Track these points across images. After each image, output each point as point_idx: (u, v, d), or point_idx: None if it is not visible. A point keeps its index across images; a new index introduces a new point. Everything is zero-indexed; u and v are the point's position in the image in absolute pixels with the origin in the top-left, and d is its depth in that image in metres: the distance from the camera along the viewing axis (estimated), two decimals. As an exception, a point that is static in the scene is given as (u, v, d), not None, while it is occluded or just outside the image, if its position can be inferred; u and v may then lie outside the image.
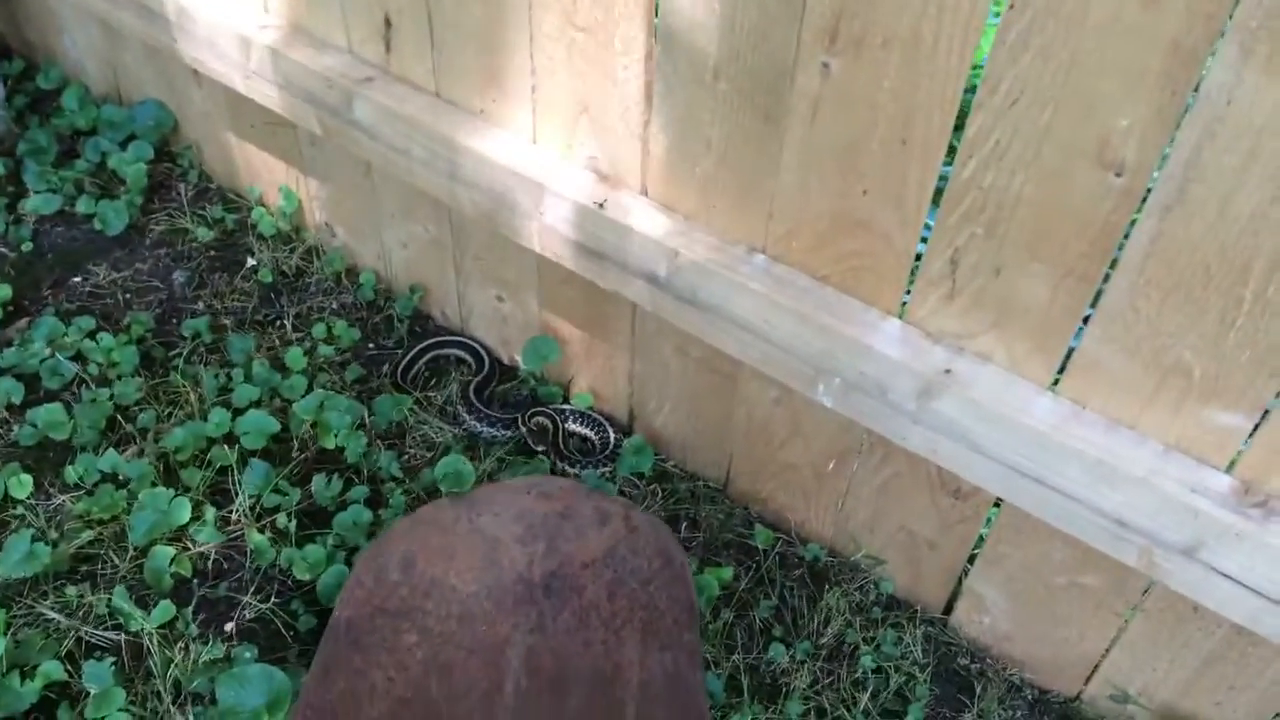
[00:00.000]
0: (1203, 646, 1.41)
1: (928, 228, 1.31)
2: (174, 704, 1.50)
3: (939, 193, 1.28)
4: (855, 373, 1.42)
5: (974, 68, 1.17)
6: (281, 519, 1.72)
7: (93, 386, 1.93)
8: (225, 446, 1.82)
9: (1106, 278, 1.21)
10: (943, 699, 1.60)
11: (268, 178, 2.27)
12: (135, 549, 1.68)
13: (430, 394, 1.99)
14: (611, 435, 1.89)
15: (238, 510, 1.74)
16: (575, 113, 1.57)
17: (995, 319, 1.32)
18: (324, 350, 2.04)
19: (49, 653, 1.54)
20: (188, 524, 1.70)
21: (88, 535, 1.70)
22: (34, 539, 1.65)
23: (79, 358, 1.99)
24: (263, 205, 2.32)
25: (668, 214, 1.55)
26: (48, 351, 1.98)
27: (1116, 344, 1.23)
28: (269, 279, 2.20)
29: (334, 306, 2.16)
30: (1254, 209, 1.06)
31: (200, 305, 2.15)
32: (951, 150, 1.23)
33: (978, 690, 1.61)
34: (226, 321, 2.11)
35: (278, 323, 2.11)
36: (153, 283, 2.20)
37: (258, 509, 1.75)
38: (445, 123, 1.70)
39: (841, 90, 1.27)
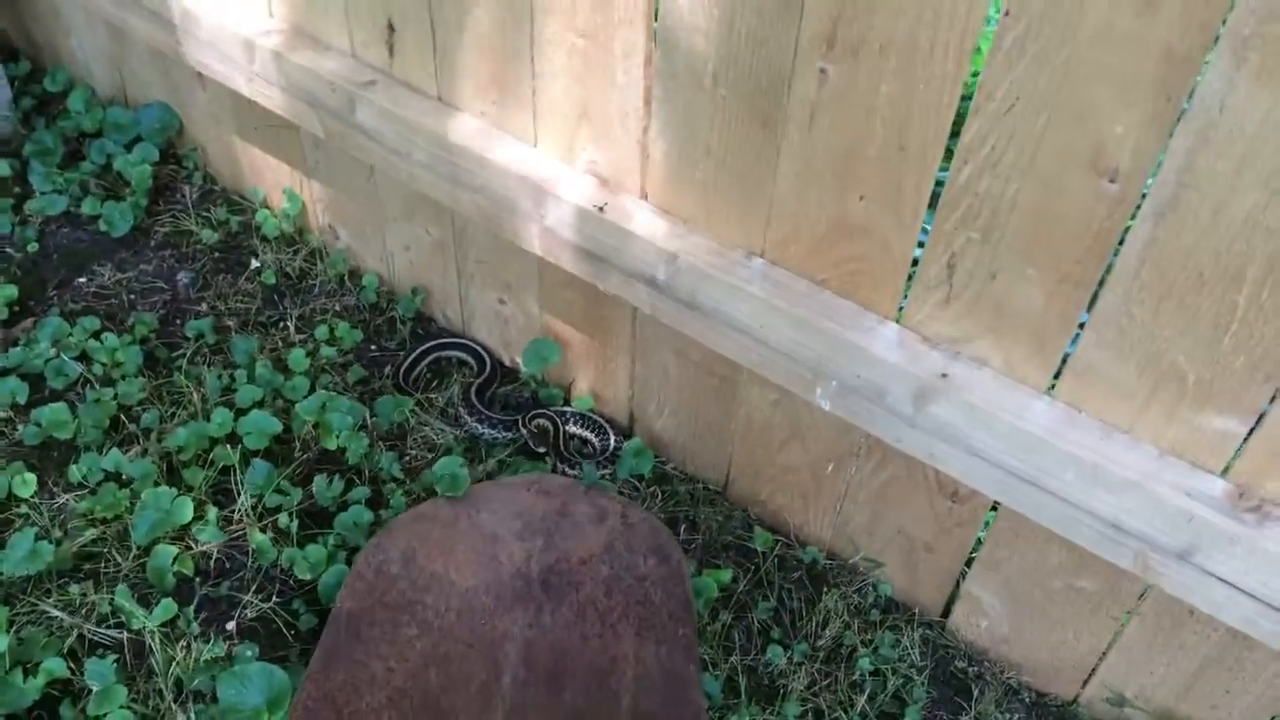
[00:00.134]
0: (1199, 650, 1.41)
1: (925, 232, 1.32)
2: (175, 702, 1.51)
3: (935, 198, 1.28)
4: (853, 376, 1.43)
5: (974, 74, 1.18)
6: (283, 519, 1.74)
7: (97, 386, 1.94)
8: (228, 446, 1.83)
9: (1101, 283, 1.21)
10: (940, 701, 1.60)
11: (272, 180, 2.28)
12: (138, 548, 1.69)
13: (432, 396, 2.00)
14: (612, 437, 1.90)
15: (240, 510, 1.76)
16: (576, 117, 1.58)
17: (991, 323, 1.33)
18: (326, 352, 2.05)
19: (51, 650, 1.55)
20: (190, 523, 1.72)
21: (91, 534, 1.71)
22: (37, 537, 1.66)
23: (84, 358, 2.00)
24: (266, 207, 2.33)
25: (667, 218, 1.56)
26: (53, 351, 1.99)
27: (1111, 349, 1.24)
28: (272, 281, 2.21)
29: (337, 308, 2.17)
30: (1247, 215, 1.06)
31: (204, 306, 2.16)
32: (949, 155, 1.24)
33: (975, 693, 1.61)
34: (230, 322, 2.12)
35: (281, 324, 2.12)
36: (157, 284, 2.21)
37: (259, 509, 1.76)
38: (447, 126, 1.71)
39: (839, 96, 1.27)
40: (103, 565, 1.68)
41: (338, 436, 1.86)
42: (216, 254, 2.28)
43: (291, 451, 1.87)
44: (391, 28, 1.73)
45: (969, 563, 1.60)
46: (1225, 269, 1.11)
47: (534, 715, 1.14)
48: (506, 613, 1.22)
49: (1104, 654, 1.52)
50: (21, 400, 1.92)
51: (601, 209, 1.57)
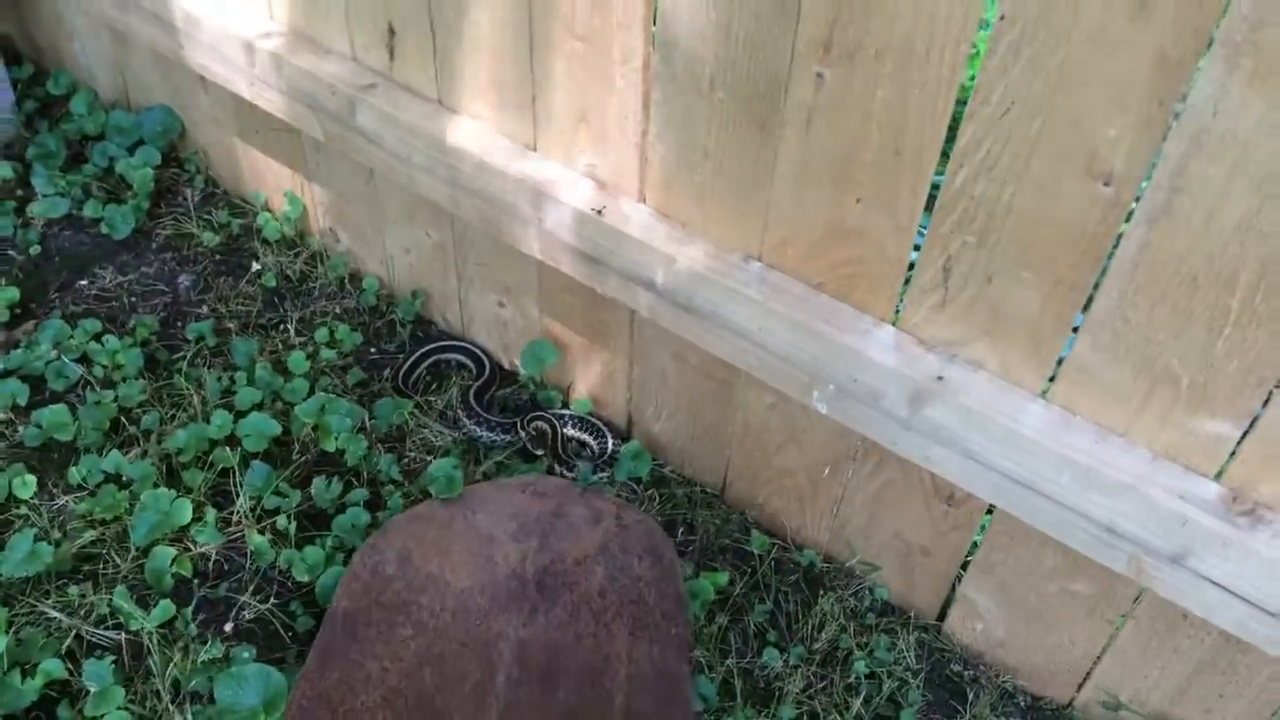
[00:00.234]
0: (1192, 654, 1.41)
1: (921, 235, 1.33)
2: (173, 703, 1.51)
3: (932, 201, 1.29)
4: (849, 379, 1.43)
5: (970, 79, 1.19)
6: (281, 521, 1.74)
7: (97, 388, 1.95)
8: (227, 448, 1.84)
9: (1096, 286, 1.22)
10: (935, 705, 1.61)
11: (273, 183, 2.29)
12: (137, 549, 1.70)
13: (431, 398, 2.01)
14: (610, 440, 1.91)
15: (238, 512, 1.76)
16: (574, 121, 1.59)
17: (987, 326, 1.33)
18: (326, 354, 2.06)
19: (50, 651, 1.55)
20: (189, 525, 1.72)
21: (90, 535, 1.72)
22: (37, 538, 1.67)
23: (84, 360, 2.01)
24: (268, 210, 2.34)
25: (665, 221, 1.57)
26: (53, 353, 2.00)
27: (1106, 352, 1.24)
28: (273, 283, 2.22)
29: (337, 311, 2.18)
30: (1240, 220, 1.07)
31: (205, 309, 2.17)
32: (945, 159, 1.25)
33: (970, 697, 1.61)
34: (230, 325, 2.13)
35: (281, 327, 2.13)
36: (158, 286, 2.22)
37: (258, 510, 1.77)
38: (447, 130, 1.72)
39: (835, 100, 1.28)
40: (101, 566, 1.69)
41: (336, 439, 1.86)
42: (217, 257, 2.29)
43: (290, 454, 1.88)
44: (392, 31, 1.74)
45: (965, 566, 1.60)
46: (1219, 273, 1.11)
47: (528, 714, 1.15)
48: (501, 613, 1.23)
49: (1099, 658, 1.52)
50: (22, 402, 1.93)
51: (600, 212, 1.58)
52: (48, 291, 2.19)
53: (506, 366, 2.09)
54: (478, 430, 1.92)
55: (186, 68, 2.14)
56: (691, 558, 1.76)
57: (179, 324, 2.13)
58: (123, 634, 1.60)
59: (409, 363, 2.06)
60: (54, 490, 1.79)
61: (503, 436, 1.91)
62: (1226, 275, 1.11)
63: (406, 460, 1.88)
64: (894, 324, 1.43)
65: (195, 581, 1.69)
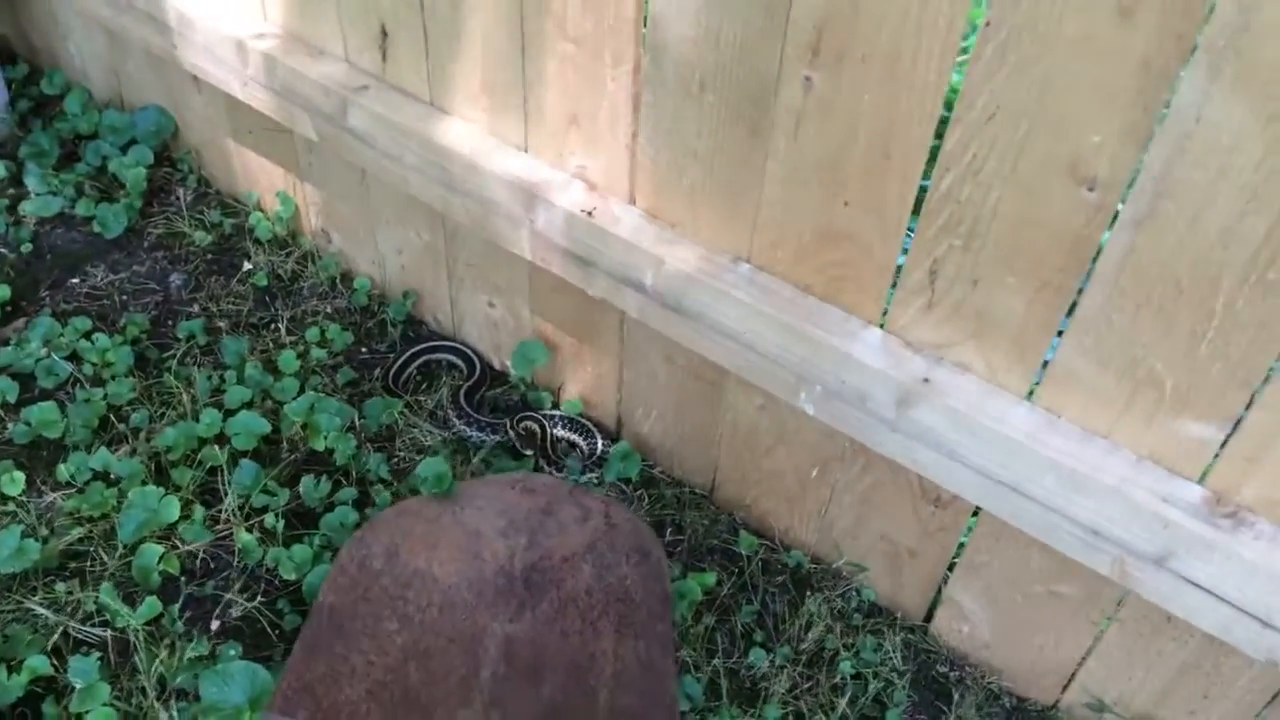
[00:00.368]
0: (1176, 656, 1.42)
1: (909, 238, 1.34)
2: (158, 700, 1.51)
3: (919, 205, 1.30)
4: (836, 381, 1.44)
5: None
6: (270, 519, 1.74)
7: (87, 386, 1.95)
8: (216, 447, 1.84)
9: (1081, 290, 1.23)
10: (921, 705, 1.61)
11: (265, 183, 2.30)
12: (124, 546, 1.70)
13: (421, 398, 2.01)
14: (599, 441, 1.91)
15: (226, 510, 1.76)
16: (566, 122, 1.60)
17: (973, 329, 1.34)
18: (317, 354, 2.06)
19: (36, 647, 1.55)
20: (177, 522, 1.72)
21: (78, 532, 1.72)
22: (24, 535, 1.67)
23: (74, 358, 2.01)
24: (260, 210, 2.34)
25: (655, 223, 1.57)
26: (44, 351, 2.00)
27: (1091, 355, 1.25)
28: (264, 283, 2.22)
29: (328, 311, 2.18)
30: (1223, 224, 1.08)
31: (196, 308, 2.17)
32: (933, 163, 1.26)
33: (956, 698, 1.62)
34: (221, 324, 2.13)
35: (272, 326, 2.13)
36: (149, 285, 2.22)
37: (246, 509, 1.77)
38: (439, 131, 1.73)
39: (824, 103, 1.29)
40: (89, 564, 1.69)
41: (326, 438, 1.86)
42: (209, 256, 2.29)
43: (279, 452, 1.88)
44: (384, 33, 1.75)
45: (951, 568, 1.61)
46: (1202, 277, 1.12)
47: (512, 708, 1.15)
48: (488, 609, 1.24)
49: (1083, 659, 1.53)
50: (11, 399, 1.92)
51: (590, 214, 1.58)
52: (39, 289, 2.19)
53: (497, 367, 2.09)
54: (467, 430, 1.92)
55: (180, 68, 2.15)
56: (680, 558, 1.77)
57: (170, 322, 2.13)
58: (109, 631, 1.60)
59: (399, 362, 2.06)
60: (42, 487, 1.79)
61: (492, 437, 1.91)
62: (1210, 279, 1.12)
63: (396, 460, 1.88)
64: (881, 326, 1.44)
65: (182, 579, 1.69)
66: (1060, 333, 1.28)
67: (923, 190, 1.28)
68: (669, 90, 1.43)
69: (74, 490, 1.78)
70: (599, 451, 1.90)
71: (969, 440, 1.35)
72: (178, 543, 1.71)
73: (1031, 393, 1.35)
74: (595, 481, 1.84)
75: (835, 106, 1.28)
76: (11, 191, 2.40)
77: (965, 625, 1.64)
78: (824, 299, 1.47)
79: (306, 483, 1.79)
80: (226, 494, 1.78)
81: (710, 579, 1.71)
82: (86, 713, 1.48)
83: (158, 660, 1.54)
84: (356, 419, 1.93)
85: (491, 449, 1.90)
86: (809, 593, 1.72)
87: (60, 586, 1.64)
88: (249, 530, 1.74)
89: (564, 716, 1.17)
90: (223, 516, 1.76)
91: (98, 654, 1.55)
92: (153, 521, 1.71)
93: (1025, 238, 1.23)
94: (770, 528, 1.81)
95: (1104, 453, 1.29)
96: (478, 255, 1.94)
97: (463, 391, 1.98)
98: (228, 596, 1.66)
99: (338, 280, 2.23)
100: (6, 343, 2.03)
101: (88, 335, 2.05)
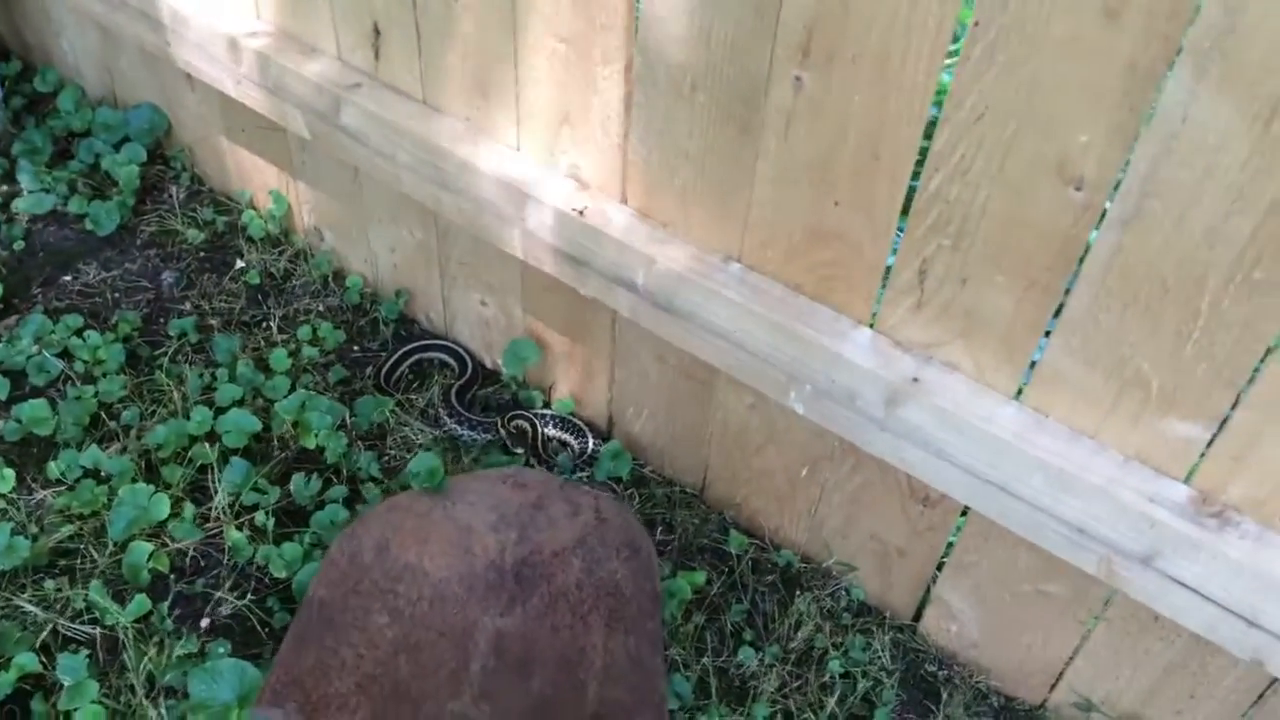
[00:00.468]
0: (1163, 655, 1.43)
1: (899, 238, 1.34)
2: (147, 697, 1.51)
3: (909, 205, 1.31)
4: (826, 380, 1.44)
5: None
6: (260, 517, 1.74)
7: (78, 383, 1.95)
8: (207, 444, 1.84)
9: (1068, 290, 1.24)
10: (909, 704, 1.62)
11: (258, 181, 2.30)
12: (114, 544, 1.70)
13: (412, 397, 2.01)
14: (590, 440, 1.92)
15: (217, 508, 1.76)
16: (558, 121, 1.60)
17: (962, 329, 1.35)
18: (308, 352, 2.06)
19: (25, 645, 1.55)
20: (167, 520, 1.72)
21: (67, 530, 1.71)
22: (14, 532, 1.67)
23: (66, 355, 2.01)
24: (253, 208, 2.34)
25: (646, 222, 1.58)
26: (35, 348, 2.00)
27: (1078, 355, 1.26)
28: (256, 281, 2.22)
29: (320, 309, 2.18)
30: (1208, 224, 1.09)
31: (188, 305, 2.17)
32: (922, 163, 1.26)
33: (944, 696, 1.62)
34: (213, 322, 2.13)
35: (264, 324, 2.13)
36: (141, 282, 2.22)
37: (237, 507, 1.77)
38: (431, 129, 1.73)
39: (814, 104, 1.30)
40: (78, 561, 1.69)
41: (317, 436, 1.86)
42: (202, 254, 2.29)
43: (270, 450, 1.88)
44: (377, 31, 1.75)
45: (940, 567, 1.62)
46: (1188, 276, 1.13)
47: (502, 701, 1.16)
48: (478, 603, 1.24)
49: (1071, 659, 1.53)
50: (2, 396, 1.92)
51: (581, 212, 1.59)
52: (30, 287, 2.18)
53: (489, 366, 2.10)
54: (459, 429, 1.92)
55: (174, 66, 2.14)
56: (670, 557, 1.77)
57: (161, 320, 2.13)
58: (98, 628, 1.59)
59: (391, 361, 2.06)
60: (32, 484, 1.79)
61: (484, 435, 1.91)
62: (1195, 278, 1.13)
63: (387, 458, 1.89)
64: (871, 326, 1.44)
65: (172, 577, 1.68)
66: (1048, 333, 1.29)
67: (912, 190, 1.29)
68: (660, 90, 1.44)
69: (64, 487, 1.78)
70: (590, 450, 1.90)
71: (957, 439, 1.35)
72: (168, 540, 1.71)
73: (1020, 392, 1.35)
74: (586, 480, 1.85)
75: (825, 106, 1.29)
76: (4, 188, 2.40)
77: (954, 624, 1.64)
78: (814, 298, 1.47)
79: (297, 481, 1.79)
80: (217, 492, 1.78)
81: (700, 578, 1.71)
82: (75, 710, 1.48)
83: (147, 658, 1.54)
84: (348, 417, 1.93)
85: (483, 448, 1.90)
86: (799, 592, 1.73)
87: (50, 584, 1.64)
88: (239, 528, 1.73)
89: (553, 709, 1.18)
90: (213, 514, 1.76)
91: (87, 651, 1.55)
92: (143, 519, 1.71)
93: (1013, 237, 1.23)
94: (760, 527, 1.82)
95: (1091, 452, 1.29)
96: (470, 254, 1.94)
97: (454, 390, 1.99)
98: (217, 594, 1.66)
99: (330, 278, 2.23)
100: (-3, 340, 2.03)
101: (79, 332, 2.05)
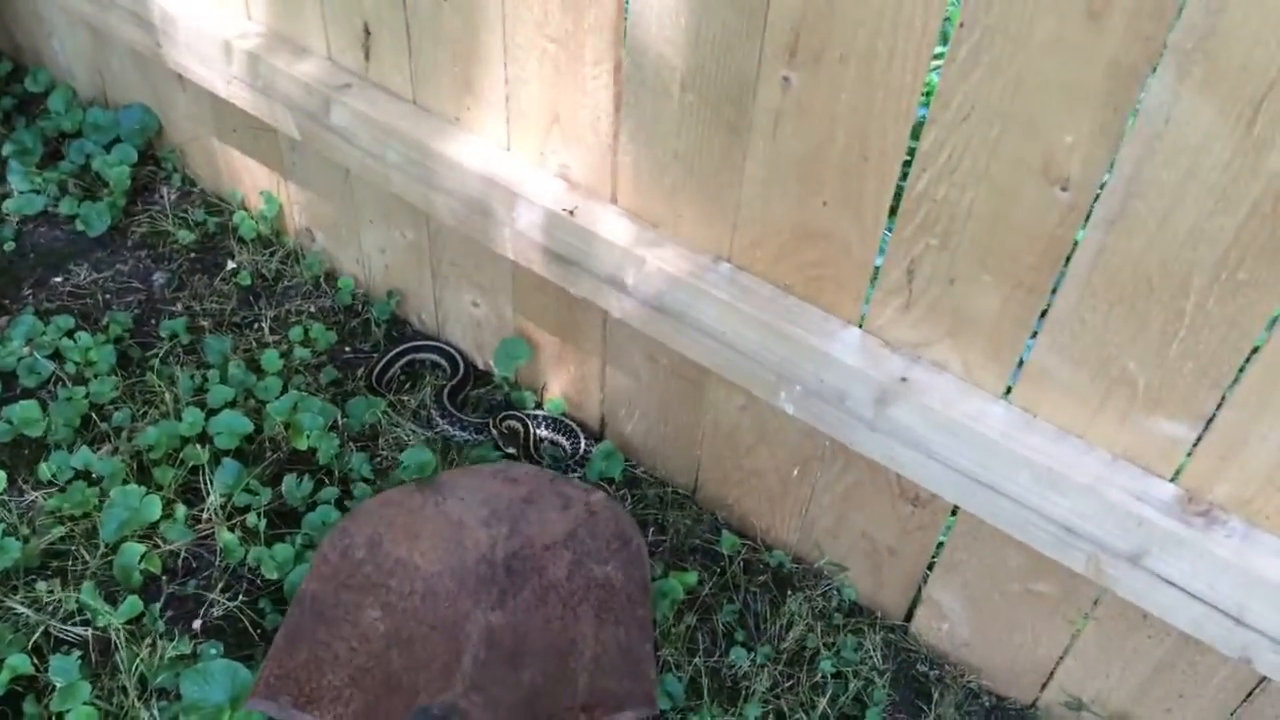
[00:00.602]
0: (1152, 654, 1.43)
1: (887, 238, 1.35)
2: (139, 699, 1.51)
3: (897, 205, 1.31)
4: (816, 380, 1.45)
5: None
6: (252, 518, 1.74)
7: (69, 385, 1.95)
8: (198, 446, 1.84)
9: (1055, 290, 1.24)
10: (901, 704, 1.62)
11: (250, 182, 2.29)
12: (106, 546, 1.70)
13: (404, 398, 2.01)
14: (582, 441, 1.92)
15: (208, 509, 1.76)
16: (547, 122, 1.60)
17: (950, 328, 1.35)
18: (300, 353, 2.06)
19: (17, 646, 1.55)
20: (158, 522, 1.72)
21: (59, 531, 1.71)
22: (5, 534, 1.67)
23: (56, 356, 2.01)
24: (244, 209, 2.34)
25: (636, 222, 1.58)
26: (26, 349, 2.00)
27: (1065, 354, 1.26)
28: (248, 282, 2.22)
29: (312, 310, 2.18)
30: (1192, 225, 1.09)
31: (179, 306, 2.17)
32: (910, 163, 1.27)
33: (935, 696, 1.63)
34: (204, 323, 2.13)
35: (255, 325, 2.13)
36: (133, 283, 2.22)
37: (228, 508, 1.77)
38: (421, 129, 1.73)
39: (802, 103, 1.30)
40: (70, 563, 1.69)
41: (308, 437, 1.86)
42: (193, 255, 2.29)
43: (262, 451, 1.88)
44: (367, 31, 1.75)
45: (931, 566, 1.62)
46: (1172, 276, 1.13)
47: (493, 692, 1.16)
48: (470, 596, 1.25)
49: (1061, 658, 1.54)
50: (-7, 398, 1.92)
51: (571, 212, 1.59)
52: (21, 288, 2.18)
53: (481, 367, 2.10)
54: (451, 429, 1.92)
55: (164, 66, 2.14)
56: (662, 557, 1.77)
57: (153, 321, 2.13)
58: (90, 630, 1.59)
59: (383, 362, 2.06)
60: (23, 486, 1.79)
61: (476, 436, 1.91)
62: (1180, 278, 1.13)
63: (379, 459, 1.89)
64: (860, 325, 1.45)
65: (164, 578, 1.68)
66: (1036, 333, 1.29)
67: (900, 190, 1.29)
68: (649, 90, 1.44)
69: (55, 489, 1.78)
70: (582, 451, 1.90)
71: (946, 439, 1.36)
72: (159, 542, 1.71)
73: (1008, 391, 1.36)
74: (577, 480, 1.85)
75: (813, 106, 1.29)
76: (-5, 190, 2.40)
77: (945, 624, 1.65)
78: (803, 298, 1.48)
79: (289, 482, 1.79)
80: (208, 493, 1.78)
81: (692, 578, 1.72)
82: (67, 712, 1.48)
83: (139, 659, 1.54)
84: (339, 418, 1.93)
85: (475, 448, 1.90)
86: (790, 592, 1.73)
87: (41, 585, 1.64)
88: (231, 529, 1.73)
89: (544, 700, 1.18)
90: (204, 516, 1.76)
91: (79, 653, 1.55)
92: (134, 520, 1.71)
93: (1000, 237, 1.23)
94: (752, 527, 1.82)
95: (1079, 451, 1.30)
96: (461, 254, 1.94)
97: (446, 391, 1.99)
98: (209, 596, 1.66)
99: (321, 279, 2.23)
100: (-12, 341, 2.03)
101: (70, 334, 2.05)
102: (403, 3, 1.65)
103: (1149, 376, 1.22)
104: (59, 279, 2.21)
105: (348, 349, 2.12)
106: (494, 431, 1.88)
